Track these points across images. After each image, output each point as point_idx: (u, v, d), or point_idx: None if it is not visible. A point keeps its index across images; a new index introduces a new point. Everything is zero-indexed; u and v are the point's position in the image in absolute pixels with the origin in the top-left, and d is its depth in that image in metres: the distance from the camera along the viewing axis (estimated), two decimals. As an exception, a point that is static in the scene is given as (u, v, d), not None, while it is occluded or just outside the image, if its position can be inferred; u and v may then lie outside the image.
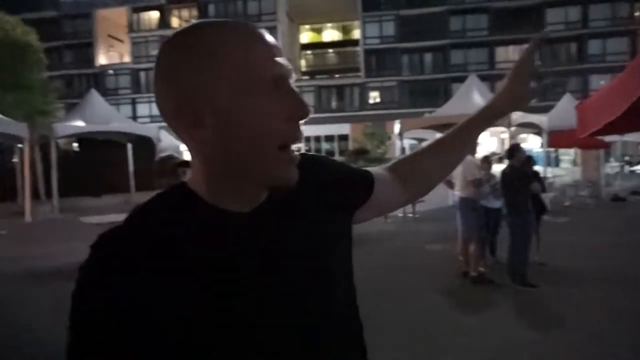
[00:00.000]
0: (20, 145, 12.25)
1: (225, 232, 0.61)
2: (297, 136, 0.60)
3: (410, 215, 10.52)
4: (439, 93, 31.36)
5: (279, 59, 0.59)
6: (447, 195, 9.13)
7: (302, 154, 0.67)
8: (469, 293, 5.11)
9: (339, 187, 0.75)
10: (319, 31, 42.79)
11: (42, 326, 3.94)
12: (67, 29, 39.50)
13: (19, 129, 11.23)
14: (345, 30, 41.76)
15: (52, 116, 23.67)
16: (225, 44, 0.58)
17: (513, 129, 10.40)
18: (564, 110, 11.52)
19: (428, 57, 35.38)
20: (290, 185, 0.61)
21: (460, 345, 3.66)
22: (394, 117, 13.01)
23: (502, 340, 3.73)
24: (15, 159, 15.36)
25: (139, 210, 0.64)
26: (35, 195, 12.87)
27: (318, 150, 36.15)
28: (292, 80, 0.61)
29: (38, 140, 12.73)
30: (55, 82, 33.21)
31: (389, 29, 35.51)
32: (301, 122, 0.60)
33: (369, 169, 0.86)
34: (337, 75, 38.53)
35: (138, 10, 38.73)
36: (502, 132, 11.77)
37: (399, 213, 10.45)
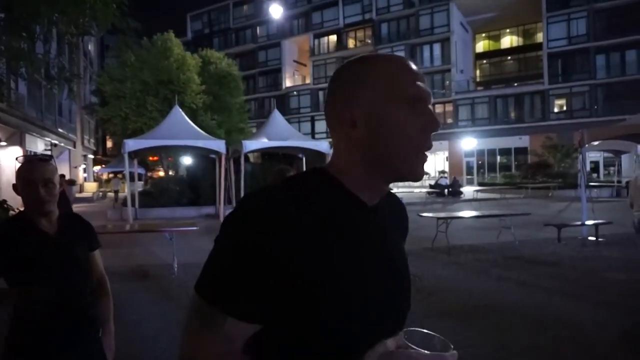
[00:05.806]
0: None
1: (359, 216, 0.77)
2: (428, 144, 0.77)
3: (592, 238, 9.16)
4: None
5: (419, 84, 0.76)
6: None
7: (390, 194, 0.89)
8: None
9: (403, 224, 0.95)
10: (496, 38, 40.33)
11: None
12: (261, 58, 45.72)
13: (219, 145, 13.78)
14: (527, 35, 38.43)
15: (246, 133, 27.61)
16: (380, 67, 0.77)
17: None
18: None
19: (632, 55, 29.89)
20: (418, 179, 0.78)
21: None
22: (583, 127, 11.22)
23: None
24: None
25: (287, 181, 0.79)
26: (228, 200, 15.23)
27: (493, 164, 33.91)
28: (430, 103, 0.78)
29: (232, 154, 15.02)
30: (250, 104, 38.64)
31: (580, 27, 31.32)
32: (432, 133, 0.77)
33: None
34: (515, 84, 35.64)
35: (319, 35, 42.49)
36: None
37: (578, 235, 9.22)
